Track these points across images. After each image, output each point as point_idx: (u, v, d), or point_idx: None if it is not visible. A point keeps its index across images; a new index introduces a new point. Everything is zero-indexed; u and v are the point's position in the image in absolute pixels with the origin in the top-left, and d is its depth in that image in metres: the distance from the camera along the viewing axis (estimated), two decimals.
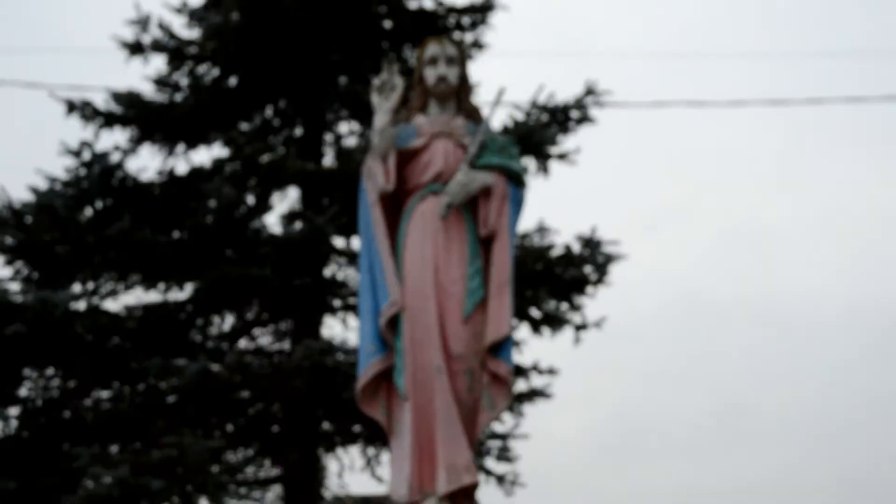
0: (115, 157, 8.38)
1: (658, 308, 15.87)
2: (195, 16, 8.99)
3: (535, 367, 8.66)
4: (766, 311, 15.92)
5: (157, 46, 8.82)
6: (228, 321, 8.71)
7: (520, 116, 8.70)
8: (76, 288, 8.28)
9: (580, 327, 8.70)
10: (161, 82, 8.92)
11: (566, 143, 9.01)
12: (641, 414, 14.92)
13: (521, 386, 8.64)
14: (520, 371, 8.57)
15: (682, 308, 16.32)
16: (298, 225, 8.35)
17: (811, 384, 14.88)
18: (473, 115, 4.73)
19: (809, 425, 14.54)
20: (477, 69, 9.12)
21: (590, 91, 8.94)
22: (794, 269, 16.27)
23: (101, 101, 8.61)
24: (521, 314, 8.53)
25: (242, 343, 8.81)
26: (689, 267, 16.45)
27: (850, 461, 13.76)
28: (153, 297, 8.48)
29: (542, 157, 8.85)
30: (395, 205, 4.62)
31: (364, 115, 9.30)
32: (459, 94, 4.75)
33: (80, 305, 8.18)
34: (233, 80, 9.11)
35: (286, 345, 8.73)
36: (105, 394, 8.18)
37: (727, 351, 15.37)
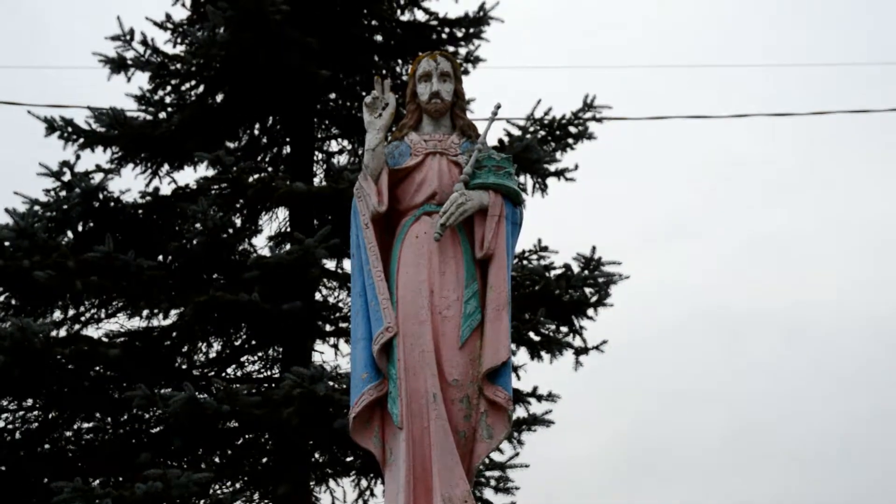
0: (96, 178, 8.37)
1: (672, 324, 15.83)
2: (180, 31, 9.01)
3: (535, 393, 8.64)
4: (784, 324, 15.89)
5: (141, 63, 8.81)
6: (215, 348, 8.67)
7: (516, 132, 8.71)
8: (56, 315, 8.25)
9: (580, 351, 8.69)
10: (144, 100, 8.92)
11: (565, 159, 9.04)
12: (655, 435, 14.84)
13: (520, 412, 8.62)
14: (519, 397, 8.55)
15: (697, 324, 16.27)
16: (287, 247, 8.33)
17: (830, 399, 14.84)
18: (468, 132, 4.76)
19: (827, 443, 14.50)
20: (471, 84, 9.14)
21: (588, 105, 8.97)
22: (813, 279, 16.25)
23: (83, 120, 8.62)
24: (519, 338, 8.52)
25: (230, 371, 8.77)
26: (704, 281, 16.43)
27: (869, 479, 13.73)
28: (137, 323, 8.46)
29: (540, 175, 8.85)
30: (387, 226, 4.64)
31: (355, 132, 9.30)
32: (454, 111, 4.79)
33: (61, 333, 8.15)
34: (219, 98, 9.11)
35: (276, 372, 8.70)
36: (87, 425, 8.13)
37: (745, 367, 15.33)
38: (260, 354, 8.83)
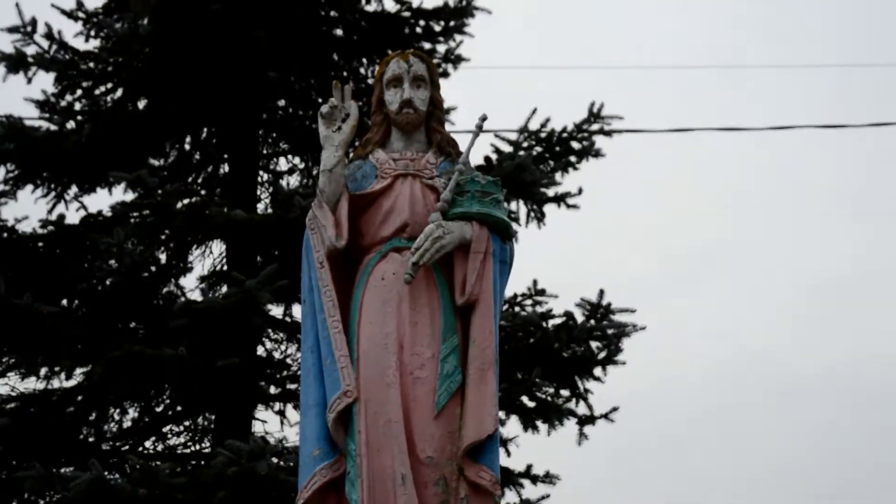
0: None
1: (702, 386, 15.87)
2: (93, 22, 9.06)
3: (529, 473, 8.63)
4: (848, 385, 15.91)
5: (45, 60, 8.85)
6: (131, 416, 8.63)
7: (507, 149, 8.76)
8: None
9: (585, 420, 8.69)
10: (48, 106, 8.94)
11: (566, 181, 9.07)
12: None
13: (510, 498, 8.60)
14: (509, 479, 8.53)
15: (735, 386, 16.28)
16: (224, 290, 8.32)
17: None
18: (447, 149, 4.78)
19: None
20: (452, 90, 9.22)
21: (595, 115, 9.03)
22: (881, 326, 16.25)
23: None
24: (509, 404, 8.51)
25: (149, 444, 8.72)
26: (742, 330, 16.45)
27: None
28: (32, 384, 8.41)
29: (536, 201, 8.90)
30: (347, 265, 4.62)
31: (308, 148, 9.32)
32: (429, 123, 4.81)
33: None
34: (141, 104, 9.14)
35: (206, 446, 8.64)
36: None
37: (802, 437, 15.29)
38: (187, 424, 8.80)
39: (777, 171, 17.25)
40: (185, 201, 8.38)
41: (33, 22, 8.81)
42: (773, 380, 16.12)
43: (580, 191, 9.00)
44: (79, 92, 9.03)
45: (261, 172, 9.40)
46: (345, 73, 9.36)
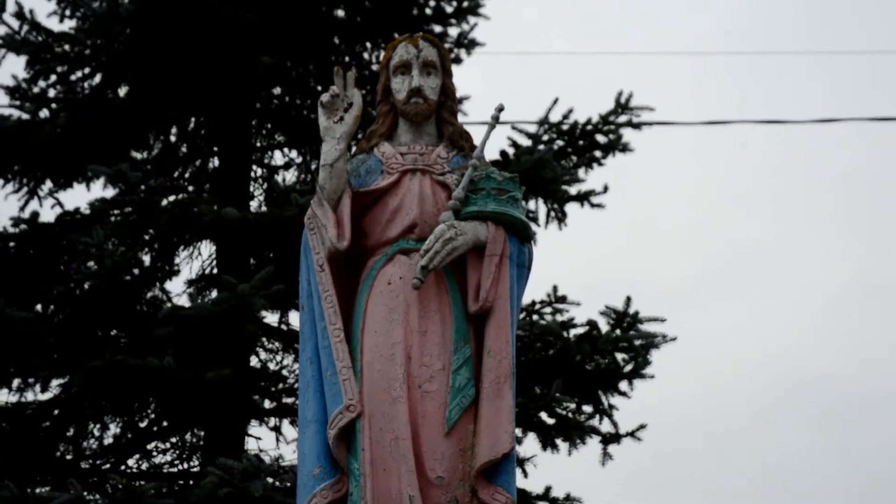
0: None
1: (738, 402, 15.77)
2: (69, 1, 9.05)
3: (548, 496, 8.64)
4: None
5: (15, 43, 8.86)
6: (112, 431, 8.66)
7: (525, 143, 8.78)
8: None
9: (610, 438, 8.70)
10: (20, 93, 8.95)
11: (590, 178, 9.09)
12: None
13: None
14: (526, 501, 8.54)
15: (774, 401, 16.18)
16: (214, 295, 8.34)
17: None
18: (460, 142, 4.79)
19: None
20: (465, 77, 9.24)
21: (622, 106, 9.04)
22: None
23: None
24: (527, 421, 8.53)
25: (132, 462, 8.74)
26: (783, 342, 16.33)
27: None
28: (4, 397, 8.44)
29: (558, 200, 8.91)
30: (350, 268, 4.65)
31: (307, 140, 9.35)
32: (440, 114, 4.82)
33: None
34: (122, 91, 9.16)
35: (195, 465, 8.67)
36: None
37: (853, 460, 15.18)
38: (174, 440, 8.82)
39: (823, 166, 17.20)
40: (171, 198, 8.40)
41: (2, 0, 8.82)
42: (816, 397, 16.09)
43: (605, 188, 9.01)
44: (53, 77, 9.02)
45: (254, 167, 9.41)
46: (347, 59, 9.37)
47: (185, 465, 8.78)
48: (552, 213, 8.97)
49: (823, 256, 17.40)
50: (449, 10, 9.41)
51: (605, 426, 8.73)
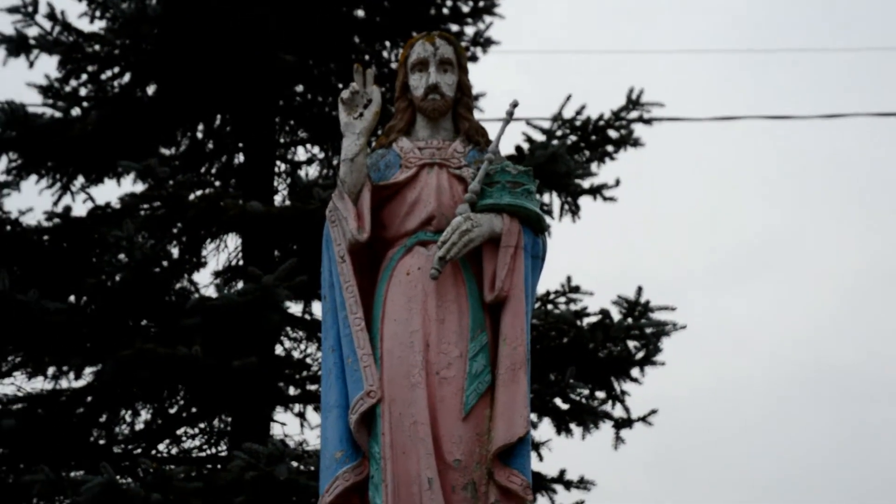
0: None
1: (748, 390, 15.68)
2: (99, 2, 9.07)
3: (563, 479, 8.66)
4: None
5: (47, 43, 8.89)
6: (143, 417, 8.70)
7: (539, 138, 8.78)
8: None
9: (622, 423, 8.71)
10: (52, 91, 8.98)
11: (603, 172, 9.09)
12: None
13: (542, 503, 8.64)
14: (541, 484, 8.56)
15: (786, 390, 16.03)
16: (240, 286, 8.37)
17: None
18: (476, 137, 4.81)
19: None
20: (481, 74, 9.24)
21: (634, 102, 9.04)
22: None
23: None
24: (542, 406, 8.55)
25: (162, 447, 8.79)
26: (796, 332, 16.22)
27: None
28: (39, 384, 8.48)
29: (571, 193, 8.92)
30: (371, 259, 4.67)
31: (328, 136, 9.37)
32: (457, 110, 4.83)
33: None
34: (150, 90, 9.19)
35: (222, 449, 8.70)
36: None
37: (866, 448, 15.05)
38: (202, 426, 8.85)
39: (833, 160, 17.11)
40: (198, 193, 8.44)
41: (34, 2, 8.82)
42: (827, 383, 16.01)
43: (617, 182, 9.02)
44: (84, 76, 9.05)
45: (278, 162, 9.43)
46: (366, 57, 9.38)
47: (213, 450, 8.82)
48: (566, 206, 8.98)
49: (836, 248, 17.34)
50: (465, 9, 9.43)
51: (618, 411, 8.76)
